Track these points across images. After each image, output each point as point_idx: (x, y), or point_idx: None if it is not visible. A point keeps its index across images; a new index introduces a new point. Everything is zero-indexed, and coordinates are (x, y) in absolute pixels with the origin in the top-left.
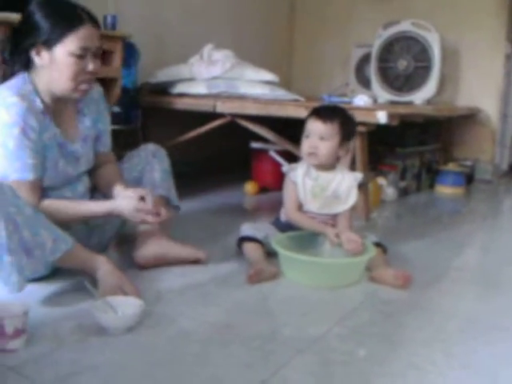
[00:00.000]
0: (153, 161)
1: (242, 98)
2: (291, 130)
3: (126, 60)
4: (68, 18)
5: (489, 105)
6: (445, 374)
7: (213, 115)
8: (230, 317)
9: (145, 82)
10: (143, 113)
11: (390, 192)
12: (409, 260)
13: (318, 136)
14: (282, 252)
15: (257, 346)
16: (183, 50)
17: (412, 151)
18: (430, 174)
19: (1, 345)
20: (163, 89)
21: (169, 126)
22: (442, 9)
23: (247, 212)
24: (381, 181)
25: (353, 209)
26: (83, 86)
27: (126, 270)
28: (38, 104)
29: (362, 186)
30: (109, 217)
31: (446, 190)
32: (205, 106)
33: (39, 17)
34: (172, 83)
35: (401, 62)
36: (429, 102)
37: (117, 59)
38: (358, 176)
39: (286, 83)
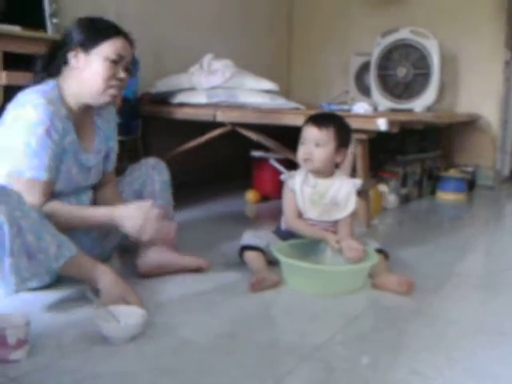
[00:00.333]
0: (153, 173)
1: (242, 107)
2: (291, 138)
3: None
4: (106, 28)
5: (489, 111)
6: (448, 380)
7: (213, 124)
8: (232, 325)
9: (145, 92)
10: (143, 123)
11: (391, 199)
12: (411, 266)
13: (313, 142)
14: (283, 260)
15: (260, 354)
16: (183, 61)
17: (413, 158)
18: (432, 181)
19: (3, 355)
20: (163, 99)
21: (169, 135)
22: (441, 16)
23: (248, 220)
24: (382, 188)
25: (354, 215)
26: (111, 91)
27: (128, 278)
28: (63, 109)
29: (363, 193)
30: (109, 226)
31: (447, 196)
32: (205, 115)
33: (79, 27)
34: (172, 93)
35: (400, 69)
36: (429, 109)
37: None
38: (357, 182)
39: (285, 92)
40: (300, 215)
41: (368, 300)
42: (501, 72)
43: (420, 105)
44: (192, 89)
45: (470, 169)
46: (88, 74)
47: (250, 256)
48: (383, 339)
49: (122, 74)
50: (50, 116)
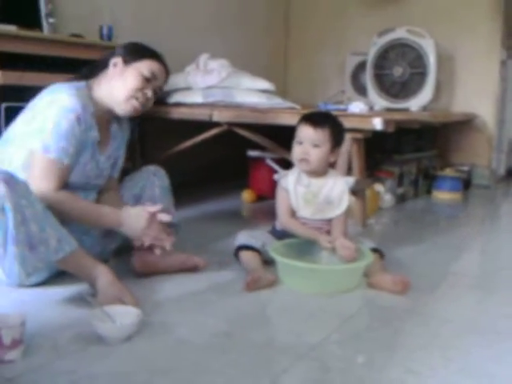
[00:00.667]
0: (153, 179)
1: (238, 106)
2: (288, 137)
3: None
4: (149, 50)
5: (485, 110)
6: (443, 379)
7: (209, 124)
8: (228, 325)
9: None
10: (140, 123)
11: (387, 198)
12: (406, 265)
13: (310, 142)
14: (279, 259)
15: (255, 354)
16: (179, 61)
17: (409, 157)
18: (427, 180)
19: None
20: (159, 98)
21: (165, 135)
22: (437, 16)
23: (244, 220)
24: (378, 187)
25: (348, 214)
26: (134, 102)
27: (125, 278)
28: (91, 107)
29: (359, 193)
30: (113, 226)
31: (443, 195)
32: (201, 115)
33: (127, 44)
34: (168, 93)
35: (396, 68)
36: (425, 108)
37: None
38: (350, 180)
39: (282, 91)
40: (293, 214)
41: (363, 299)
42: (497, 71)
43: (416, 104)
44: (188, 88)
45: (465, 168)
46: (120, 81)
47: (245, 256)
48: (378, 338)
49: (149, 93)
50: (82, 106)
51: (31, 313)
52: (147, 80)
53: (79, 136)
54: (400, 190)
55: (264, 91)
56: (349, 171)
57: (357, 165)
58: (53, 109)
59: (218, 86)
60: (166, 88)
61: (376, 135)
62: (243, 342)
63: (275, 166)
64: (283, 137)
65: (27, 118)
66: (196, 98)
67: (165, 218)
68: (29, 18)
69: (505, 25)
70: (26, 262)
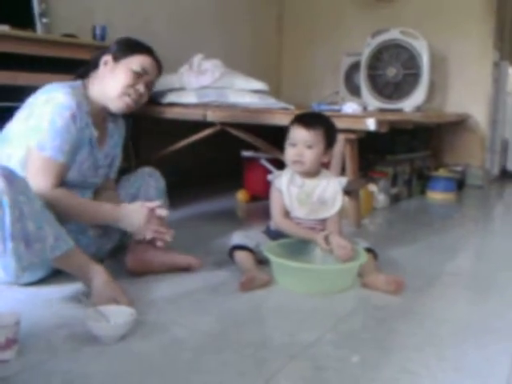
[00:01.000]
0: (149, 180)
1: (232, 106)
2: (281, 138)
3: None
4: (139, 45)
5: (478, 111)
6: (437, 378)
7: (203, 124)
8: (222, 324)
9: None
10: (133, 123)
11: (381, 199)
12: (401, 265)
13: (304, 144)
14: (273, 259)
15: (250, 354)
16: (172, 61)
17: (402, 158)
18: (421, 180)
19: None
20: (153, 98)
21: (159, 135)
22: (431, 17)
23: (239, 220)
24: (372, 188)
25: (342, 214)
26: (126, 99)
27: (120, 278)
28: (86, 106)
29: (352, 193)
30: (112, 221)
31: (437, 195)
32: (195, 115)
33: (117, 41)
34: (162, 93)
35: (390, 69)
36: (418, 109)
37: None
38: (343, 180)
39: (275, 92)
40: (287, 214)
41: (358, 299)
42: (489, 73)
43: (409, 105)
44: (182, 89)
45: (459, 168)
46: (111, 79)
47: (239, 256)
48: (373, 338)
49: (141, 89)
50: (77, 105)
51: (26, 312)
52: (138, 76)
53: (75, 134)
54: (394, 191)
55: (258, 91)
56: (342, 171)
57: (350, 165)
58: (48, 107)
59: (211, 87)
60: (160, 88)
61: (370, 136)
62: (238, 342)
63: (269, 167)
64: (277, 137)
65: (23, 117)
66: (190, 98)
67: (163, 213)
68: (22, 17)
69: (497, 26)
70: (22, 258)
